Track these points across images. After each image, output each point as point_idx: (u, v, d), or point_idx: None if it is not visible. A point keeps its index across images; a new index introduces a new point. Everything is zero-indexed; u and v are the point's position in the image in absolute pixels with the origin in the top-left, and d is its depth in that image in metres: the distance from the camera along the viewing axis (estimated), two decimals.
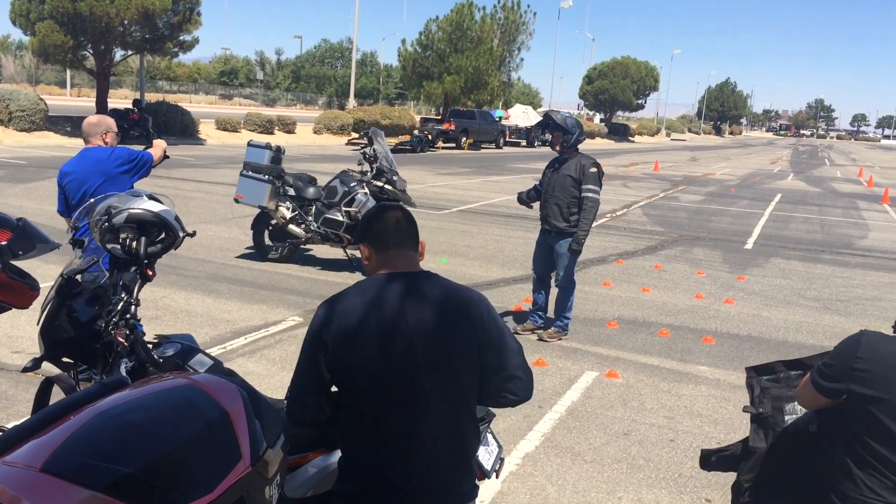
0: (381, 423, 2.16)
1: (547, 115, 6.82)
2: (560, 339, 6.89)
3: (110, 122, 5.10)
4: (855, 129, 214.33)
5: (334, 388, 2.26)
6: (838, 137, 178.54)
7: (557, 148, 6.72)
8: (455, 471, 2.24)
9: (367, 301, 2.21)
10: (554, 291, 6.98)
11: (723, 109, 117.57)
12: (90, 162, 4.91)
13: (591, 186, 6.53)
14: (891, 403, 2.24)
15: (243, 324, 6.84)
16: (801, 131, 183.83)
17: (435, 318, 2.21)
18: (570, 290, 6.85)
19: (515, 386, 2.33)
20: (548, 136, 6.96)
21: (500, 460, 2.94)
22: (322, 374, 2.19)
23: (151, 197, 3.22)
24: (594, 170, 6.58)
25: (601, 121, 70.39)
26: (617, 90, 67.05)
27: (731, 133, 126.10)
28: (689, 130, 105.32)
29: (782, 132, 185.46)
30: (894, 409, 2.24)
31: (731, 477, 4.51)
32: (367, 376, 2.15)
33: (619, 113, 74.74)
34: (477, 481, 2.79)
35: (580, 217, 6.57)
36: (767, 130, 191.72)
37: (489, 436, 2.93)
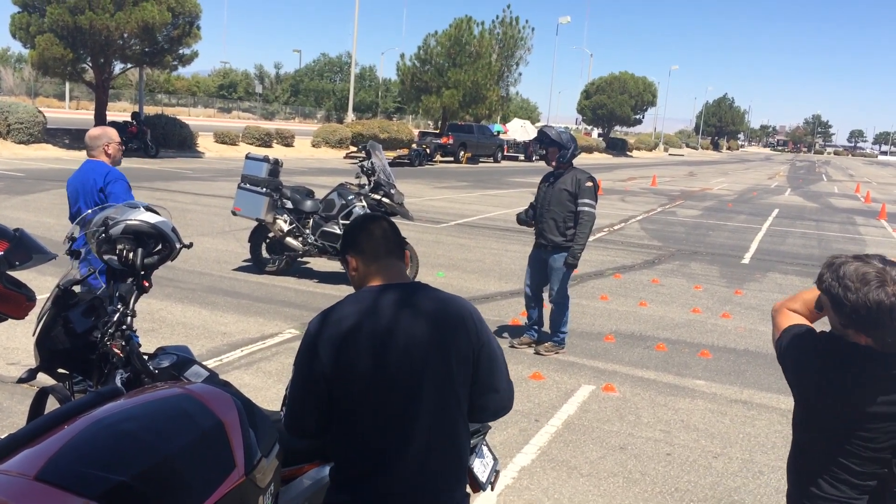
0: (376, 432, 2.15)
1: (541, 132, 6.86)
2: (557, 353, 6.89)
3: (112, 133, 5.08)
4: (852, 144, 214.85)
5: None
6: (835, 153, 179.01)
7: (553, 163, 6.74)
8: (449, 480, 2.24)
9: (363, 312, 2.21)
10: (549, 306, 6.97)
11: (720, 125, 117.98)
12: (85, 177, 4.91)
13: (587, 200, 6.54)
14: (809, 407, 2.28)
15: (240, 336, 6.83)
16: (799, 146, 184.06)
17: (431, 328, 2.22)
18: (564, 306, 6.83)
19: (492, 399, 2.35)
20: (543, 152, 7.01)
21: (495, 472, 2.94)
22: (318, 385, 2.18)
23: (149, 208, 3.23)
24: (590, 184, 6.60)
25: (599, 135, 70.54)
26: (615, 105, 67.30)
27: (728, 148, 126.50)
28: (687, 145, 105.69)
29: (780, 147, 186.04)
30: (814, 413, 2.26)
31: (727, 491, 4.51)
32: (363, 386, 2.15)
33: (617, 128, 74.99)
34: (472, 493, 2.80)
35: (576, 231, 6.58)
36: (765, 146, 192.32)
37: (484, 448, 2.92)
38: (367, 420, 2.15)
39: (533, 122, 62.23)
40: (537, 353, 6.85)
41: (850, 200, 30.75)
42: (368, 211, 9.00)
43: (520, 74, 46.10)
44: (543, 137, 6.76)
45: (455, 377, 2.22)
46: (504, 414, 2.43)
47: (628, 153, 68.83)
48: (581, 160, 51.41)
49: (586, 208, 6.54)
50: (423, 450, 2.16)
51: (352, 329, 2.17)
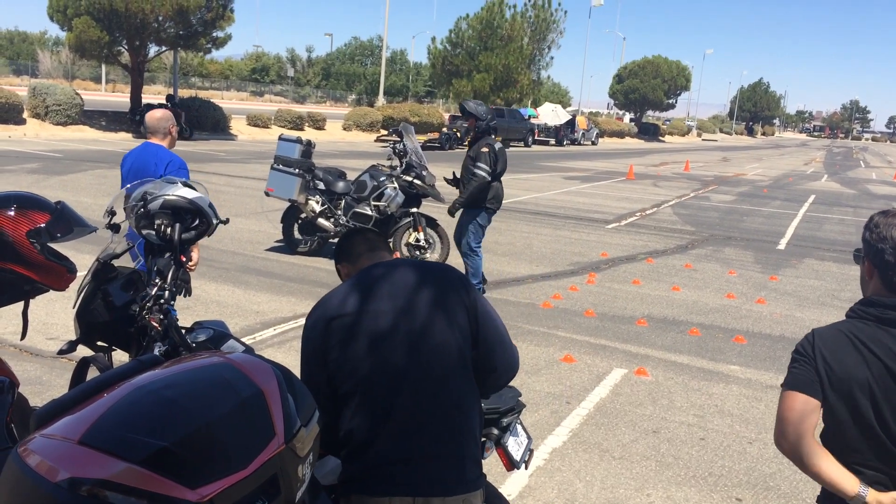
0: (375, 401, 2.16)
1: (461, 105, 7.81)
2: None
3: (171, 115, 5.17)
4: (891, 130, 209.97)
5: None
6: (873, 139, 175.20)
7: (472, 133, 7.60)
8: (455, 448, 2.20)
9: (347, 290, 2.30)
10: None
11: (755, 110, 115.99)
12: (145, 160, 4.92)
13: (480, 164, 7.40)
14: None
15: (273, 315, 6.89)
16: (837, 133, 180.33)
17: (419, 291, 2.24)
18: (470, 257, 7.70)
19: (498, 358, 2.32)
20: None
21: (529, 451, 2.92)
22: (318, 373, 2.21)
23: (186, 184, 3.25)
24: (485, 150, 7.39)
25: (631, 120, 69.80)
26: (647, 89, 66.47)
27: (763, 134, 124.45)
28: (721, 131, 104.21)
29: (816, 133, 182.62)
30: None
31: (762, 477, 4.45)
32: (358, 358, 2.17)
33: (650, 112, 74.11)
34: (507, 470, 2.79)
35: (465, 188, 7.48)
36: (801, 132, 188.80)
37: (519, 426, 2.91)
38: (363, 392, 2.16)
39: (564, 107, 61.70)
40: None
41: (889, 187, 30.13)
42: (400, 192, 9.00)
43: (551, 58, 45.61)
44: (462, 110, 7.66)
45: (452, 336, 2.21)
46: (513, 374, 2.41)
47: (661, 138, 67.99)
48: (612, 145, 50.88)
49: (477, 171, 7.39)
50: (422, 415, 2.16)
51: (339, 309, 2.24)
